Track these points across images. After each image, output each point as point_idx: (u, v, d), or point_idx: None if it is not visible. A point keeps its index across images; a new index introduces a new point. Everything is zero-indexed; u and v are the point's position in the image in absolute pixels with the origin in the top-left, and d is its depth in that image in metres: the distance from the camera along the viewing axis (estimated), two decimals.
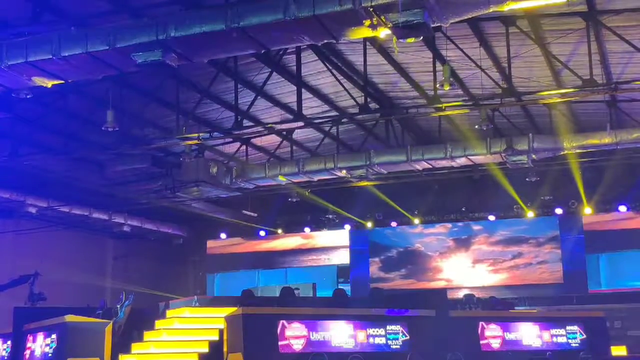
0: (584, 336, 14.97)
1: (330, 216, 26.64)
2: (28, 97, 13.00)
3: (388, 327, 12.93)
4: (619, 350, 16.58)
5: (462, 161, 18.19)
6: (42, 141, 18.31)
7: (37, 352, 14.28)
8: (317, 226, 27.28)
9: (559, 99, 16.42)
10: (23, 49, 11.27)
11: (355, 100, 17.27)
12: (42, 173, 20.45)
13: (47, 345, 13.88)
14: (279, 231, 27.63)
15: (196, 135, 17.64)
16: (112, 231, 26.35)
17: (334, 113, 19.04)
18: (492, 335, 14.29)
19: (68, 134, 17.57)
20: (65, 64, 11.30)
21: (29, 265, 19.25)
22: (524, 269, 24.99)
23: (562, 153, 17.66)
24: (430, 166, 18.70)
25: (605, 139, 16.83)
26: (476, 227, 25.69)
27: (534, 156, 17.59)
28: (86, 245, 26.07)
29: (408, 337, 12.93)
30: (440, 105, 16.40)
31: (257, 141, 20.80)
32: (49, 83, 11.97)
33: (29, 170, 19.71)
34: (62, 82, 12.01)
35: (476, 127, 17.51)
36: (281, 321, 12.19)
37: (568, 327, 15.01)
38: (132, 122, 17.21)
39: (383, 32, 10.20)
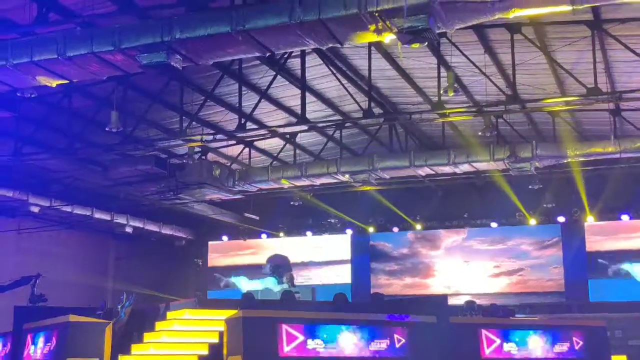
0: (585, 345, 14.91)
1: (332, 220, 26.62)
2: (32, 96, 13.05)
3: (389, 333, 12.88)
4: None
5: (465, 167, 18.17)
6: (46, 141, 18.34)
7: (37, 352, 14.24)
8: (318, 230, 27.27)
9: (563, 107, 16.42)
10: (28, 49, 11.29)
11: (359, 105, 17.26)
12: (45, 172, 20.49)
13: (47, 344, 13.85)
14: (281, 234, 27.62)
15: (200, 137, 17.67)
16: (114, 232, 26.34)
17: (337, 117, 19.03)
18: (493, 342, 14.23)
19: (72, 134, 17.57)
20: (70, 64, 11.31)
21: (31, 264, 19.25)
22: (526, 276, 24.95)
23: (565, 161, 17.63)
24: (433, 172, 18.68)
25: (608, 147, 16.82)
26: (478, 234, 25.65)
27: (537, 164, 17.58)
28: (88, 246, 26.10)
29: (409, 343, 12.89)
30: (444, 112, 16.41)
31: (261, 144, 20.81)
32: (53, 83, 11.99)
33: (32, 169, 19.76)
34: (67, 82, 12.02)
35: (480, 133, 17.51)
36: (281, 324, 12.15)
37: (569, 336, 14.94)
38: (136, 123, 17.25)
39: (388, 37, 10.18)
